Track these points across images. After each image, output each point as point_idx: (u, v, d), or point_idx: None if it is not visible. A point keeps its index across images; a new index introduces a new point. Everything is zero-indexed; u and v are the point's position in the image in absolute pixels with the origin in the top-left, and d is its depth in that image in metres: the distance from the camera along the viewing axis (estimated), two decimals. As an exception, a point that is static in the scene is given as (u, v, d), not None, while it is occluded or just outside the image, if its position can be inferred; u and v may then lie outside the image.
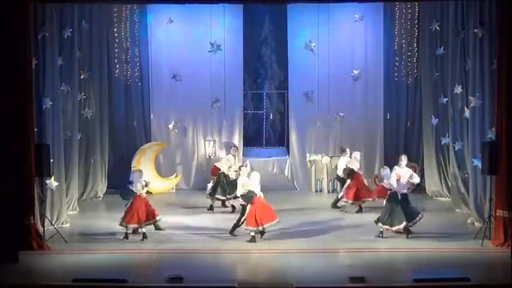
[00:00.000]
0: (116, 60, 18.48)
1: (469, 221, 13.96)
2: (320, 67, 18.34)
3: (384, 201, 13.16)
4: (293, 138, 19.08)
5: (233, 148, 17.09)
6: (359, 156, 15.99)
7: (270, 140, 19.85)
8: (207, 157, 18.57)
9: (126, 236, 12.82)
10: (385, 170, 13.26)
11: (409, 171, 13.25)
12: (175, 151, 19.03)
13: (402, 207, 12.72)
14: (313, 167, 18.43)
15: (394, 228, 12.70)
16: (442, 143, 16.72)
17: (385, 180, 13.11)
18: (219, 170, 15.73)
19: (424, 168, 17.82)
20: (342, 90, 18.58)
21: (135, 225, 12.82)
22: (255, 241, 12.49)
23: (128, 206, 13.05)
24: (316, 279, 10.29)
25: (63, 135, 14.32)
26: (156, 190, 17.09)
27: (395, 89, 18.85)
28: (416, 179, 13.21)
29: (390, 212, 12.73)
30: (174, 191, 18.49)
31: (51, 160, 13.15)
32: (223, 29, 18.31)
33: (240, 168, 14.41)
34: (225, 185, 15.49)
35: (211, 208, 15.57)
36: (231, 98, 18.61)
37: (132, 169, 16.13)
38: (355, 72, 18.61)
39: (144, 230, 12.83)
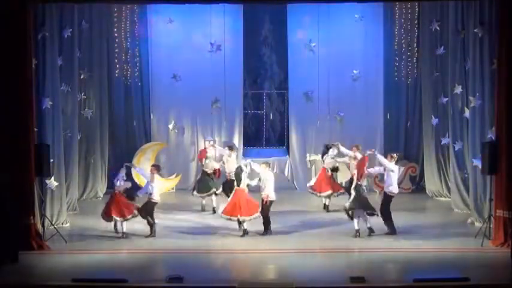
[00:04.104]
0: (116, 60, 18.45)
1: (469, 221, 13.97)
2: (320, 67, 18.30)
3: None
4: (293, 138, 19.06)
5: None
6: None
7: (270, 140, 19.85)
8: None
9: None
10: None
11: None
12: (175, 151, 19.02)
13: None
14: (313, 167, 18.41)
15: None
16: (442, 143, 16.74)
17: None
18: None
19: (424, 168, 17.84)
20: (342, 90, 18.56)
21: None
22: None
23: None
24: (316, 279, 10.29)
25: (63, 135, 14.33)
26: (156, 190, 17.09)
27: (396, 89, 18.81)
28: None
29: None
30: (174, 191, 18.49)
31: (51, 160, 13.17)
32: (223, 29, 18.28)
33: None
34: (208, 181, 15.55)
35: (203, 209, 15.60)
36: (231, 98, 18.59)
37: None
38: (355, 72, 18.59)
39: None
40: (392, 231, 12.99)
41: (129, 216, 13.00)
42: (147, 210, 13.13)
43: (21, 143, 12.01)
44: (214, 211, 15.14)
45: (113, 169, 16.97)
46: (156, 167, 13.82)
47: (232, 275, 10.74)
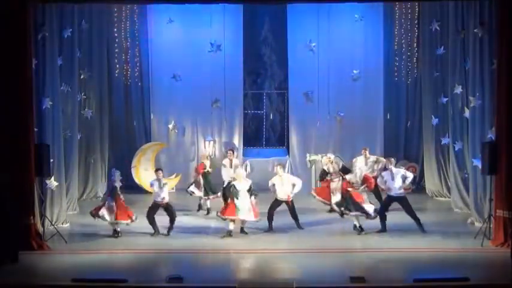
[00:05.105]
0: (116, 60, 18.49)
1: (469, 221, 13.97)
2: (320, 67, 18.35)
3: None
4: (293, 138, 19.08)
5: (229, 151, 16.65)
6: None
7: (270, 140, 19.86)
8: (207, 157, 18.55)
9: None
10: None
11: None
12: (175, 151, 19.04)
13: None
14: (313, 167, 18.42)
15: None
16: (442, 143, 16.75)
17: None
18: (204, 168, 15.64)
19: (424, 168, 17.84)
20: (342, 90, 18.58)
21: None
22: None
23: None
24: (316, 279, 10.28)
25: (63, 135, 14.33)
26: (156, 190, 17.06)
27: (396, 89, 18.85)
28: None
29: None
30: (173, 191, 18.45)
31: (51, 160, 13.16)
32: (223, 29, 18.32)
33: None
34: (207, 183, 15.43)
35: (200, 208, 15.51)
36: (231, 98, 18.63)
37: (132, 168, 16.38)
38: (355, 72, 18.60)
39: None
40: (382, 228, 13.19)
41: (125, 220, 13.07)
42: (170, 212, 13.32)
43: (21, 143, 12.00)
44: (208, 212, 15.25)
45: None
46: (160, 169, 13.91)
47: (232, 275, 10.73)
